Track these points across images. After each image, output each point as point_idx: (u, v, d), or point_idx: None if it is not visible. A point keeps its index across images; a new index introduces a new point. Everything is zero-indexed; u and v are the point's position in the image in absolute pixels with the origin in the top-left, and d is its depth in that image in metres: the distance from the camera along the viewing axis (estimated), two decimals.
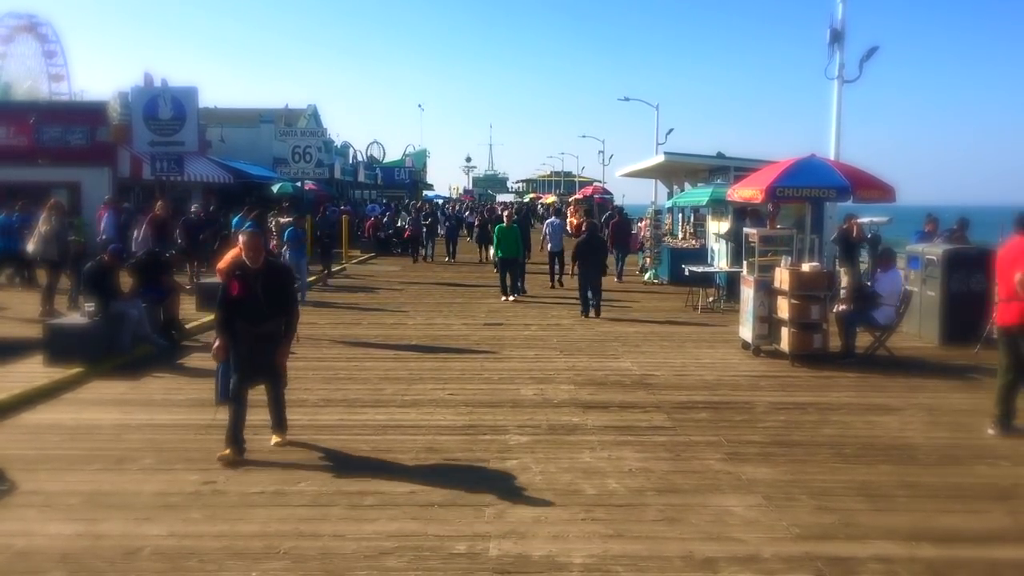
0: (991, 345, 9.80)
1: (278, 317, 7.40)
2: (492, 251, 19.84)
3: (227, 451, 7.17)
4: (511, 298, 18.01)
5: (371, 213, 37.23)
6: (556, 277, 20.76)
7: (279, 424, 7.68)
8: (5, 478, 6.74)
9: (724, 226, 19.37)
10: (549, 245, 21.28)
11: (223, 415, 7.39)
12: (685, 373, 10.87)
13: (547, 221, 23.63)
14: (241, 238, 7.55)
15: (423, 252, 29.73)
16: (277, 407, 7.64)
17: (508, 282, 18.32)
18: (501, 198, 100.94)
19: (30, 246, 15.36)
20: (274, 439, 7.64)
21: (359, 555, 5.38)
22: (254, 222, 18.50)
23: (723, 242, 19.40)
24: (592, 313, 15.58)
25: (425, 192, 74.34)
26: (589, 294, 15.71)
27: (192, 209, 21.22)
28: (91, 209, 23.07)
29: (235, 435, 7.21)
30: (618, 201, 48.86)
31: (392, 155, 70.04)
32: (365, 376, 10.51)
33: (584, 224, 18.61)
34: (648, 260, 23.47)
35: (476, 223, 32.48)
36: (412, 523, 5.89)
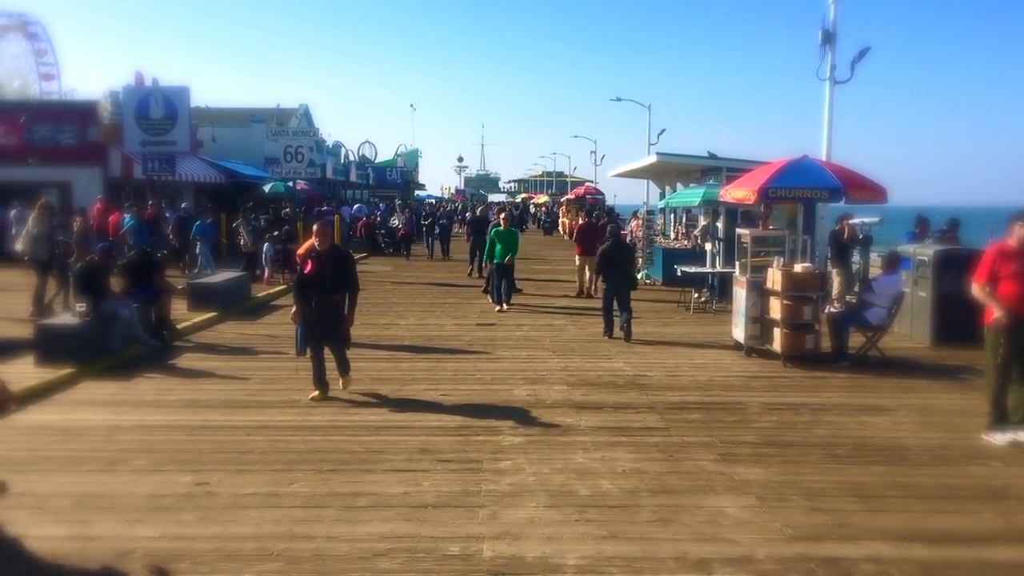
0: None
1: (341, 290, 9.23)
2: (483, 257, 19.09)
3: (315, 392, 9.27)
4: (504, 307, 16.58)
5: (359, 214, 37.13)
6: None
7: (344, 374, 9.56)
8: None
9: (716, 227, 19.38)
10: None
11: (303, 365, 9.57)
12: (678, 374, 10.89)
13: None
14: (314, 227, 9.31)
15: (426, 251, 30.80)
16: (341, 364, 9.51)
17: (504, 289, 16.75)
18: (493, 198, 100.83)
19: (19, 246, 15.27)
20: (341, 383, 9.50)
21: (352, 557, 5.37)
22: (150, 223, 19.14)
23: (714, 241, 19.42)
24: (621, 334, 13.23)
25: (417, 192, 74.27)
26: (615, 310, 13.57)
27: (183, 206, 21.23)
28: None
29: (319, 379, 9.29)
30: (610, 201, 49.03)
31: (384, 155, 70.10)
32: (357, 377, 10.43)
33: (607, 229, 15.13)
34: (640, 261, 23.48)
35: (467, 218, 32.50)
36: (405, 524, 5.87)
